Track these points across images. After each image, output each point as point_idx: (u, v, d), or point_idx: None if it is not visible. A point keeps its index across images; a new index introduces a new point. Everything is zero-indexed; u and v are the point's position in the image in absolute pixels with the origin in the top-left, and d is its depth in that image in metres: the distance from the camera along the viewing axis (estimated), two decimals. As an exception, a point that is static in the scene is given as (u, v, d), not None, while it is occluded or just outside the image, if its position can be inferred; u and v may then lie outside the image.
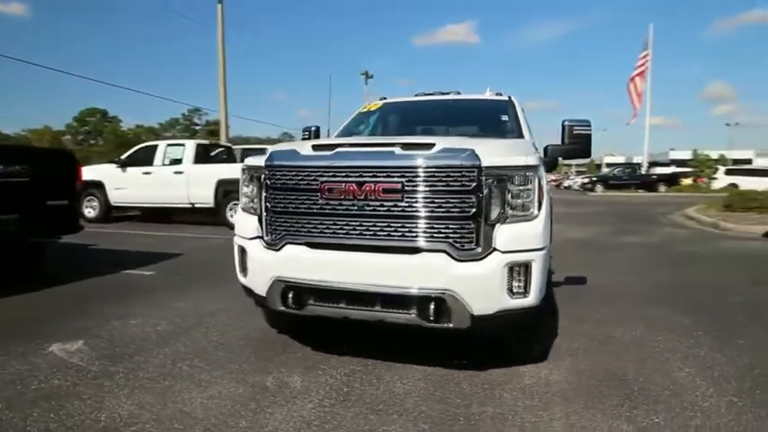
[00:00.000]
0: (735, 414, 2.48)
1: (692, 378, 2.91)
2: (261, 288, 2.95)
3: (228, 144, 14.55)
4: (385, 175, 2.63)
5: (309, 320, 3.21)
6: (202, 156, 11.19)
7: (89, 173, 9.94)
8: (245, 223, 3.13)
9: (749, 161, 42.59)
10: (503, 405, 2.57)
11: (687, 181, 30.33)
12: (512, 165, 2.64)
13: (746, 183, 21.48)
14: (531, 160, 2.68)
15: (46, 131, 52.73)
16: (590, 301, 4.62)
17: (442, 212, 2.58)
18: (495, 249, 2.60)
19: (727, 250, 7.96)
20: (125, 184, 11.12)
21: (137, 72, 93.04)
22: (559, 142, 3.60)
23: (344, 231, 2.72)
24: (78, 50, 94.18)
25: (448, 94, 4.89)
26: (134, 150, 11.73)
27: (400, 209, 2.62)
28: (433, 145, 2.63)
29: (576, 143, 3.58)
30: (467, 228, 2.58)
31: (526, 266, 2.64)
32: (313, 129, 4.65)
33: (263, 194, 2.95)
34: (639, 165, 34.94)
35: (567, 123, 3.57)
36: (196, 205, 10.61)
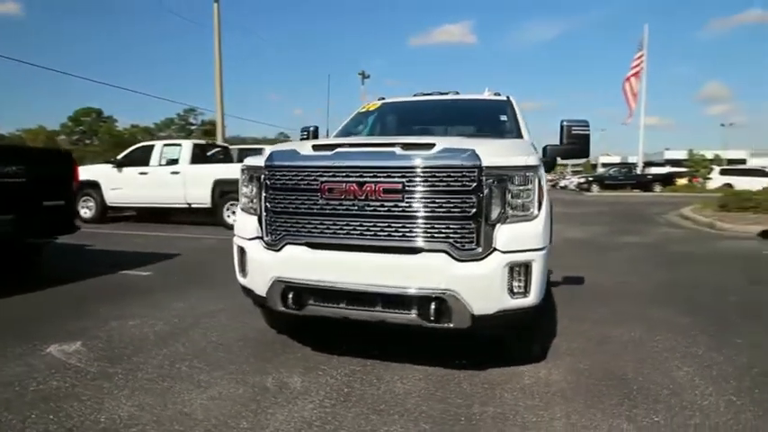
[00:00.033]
0: (734, 413, 2.49)
1: (691, 377, 2.93)
2: (261, 288, 2.95)
3: (225, 144, 14.51)
4: (385, 175, 2.63)
5: (309, 321, 3.21)
6: (199, 156, 11.15)
7: (85, 173, 9.88)
8: (244, 223, 3.12)
9: (743, 161, 42.90)
10: (503, 405, 2.57)
11: (682, 181, 30.43)
12: (512, 165, 2.65)
13: (741, 183, 21.67)
14: (532, 160, 2.69)
15: (40, 131, 52.50)
16: (588, 300, 4.64)
17: (443, 212, 2.58)
18: (495, 249, 2.60)
19: (723, 250, 8.00)
20: (121, 185, 11.07)
21: (132, 71, 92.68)
22: (557, 142, 3.62)
23: (345, 231, 2.72)
24: (72, 50, 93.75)
25: (446, 94, 4.90)
26: (130, 150, 11.68)
27: (401, 209, 2.62)
28: (434, 145, 2.63)
29: (575, 143, 3.59)
30: (467, 228, 2.58)
31: (526, 266, 2.64)
32: (311, 129, 4.64)
33: (263, 195, 2.94)
34: (635, 165, 35.04)
35: (565, 123, 3.58)
36: (193, 205, 10.58)
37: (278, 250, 2.89)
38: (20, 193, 5.05)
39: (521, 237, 2.63)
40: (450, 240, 2.59)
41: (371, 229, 2.67)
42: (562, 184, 42.79)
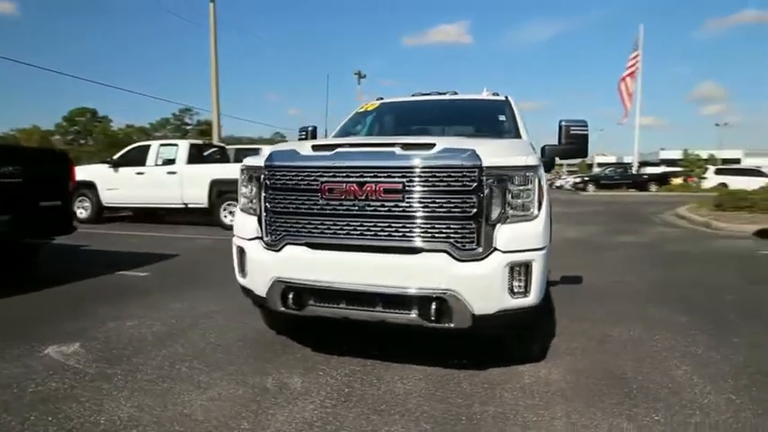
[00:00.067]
0: (733, 411, 2.50)
1: (690, 376, 2.94)
2: (260, 289, 2.94)
3: (222, 144, 14.47)
4: (386, 175, 2.63)
5: (308, 321, 3.20)
6: (196, 156, 11.11)
7: (81, 173, 9.81)
8: (243, 224, 3.11)
9: (738, 161, 43.10)
10: (504, 404, 2.58)
11: (677, 180, 30.56)
12: (512, 165, 2.65)
13: (736, 182, 21.74)
14: (532, 160, 2.69)
15: (35, 131, 52.19)
16: (586, 300, 4.65)
17: (443, 212, 2.59)
18: (495, 249, 2.61)
19: (719, 249, 8.05)
20: (117, 185, 11.02)
21: (127, 71, 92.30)
22: (555, 142, 3.63)
23: (345, 232, 2.72)
24: (68, 49, 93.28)
25: (445, 94, 4.90)
26: (126, 150, 11.62)
27: (401, 209, 2.62)
28: (434, 145, 2.64)
29: (573, 143, 3.60)
30: (468, 228, 2.58)
31: (527, 266, 2.65)
32: (310, 129, 4.63)
33: (263, 195, 2.93)
34: (630, 164, 35.19)
35: (563, 123, 3.59)
36: (189, 206, 10.54)
37: (278, 250, 2.89)
38: (16, 194, 5.02)
39: (521, 237, 2.64)
40: (451, 240, 2.59)
41: (372, 229, 2.67)
42: (558, 183, 42.84)
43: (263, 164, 2.94)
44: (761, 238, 9.02)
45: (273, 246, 2.90)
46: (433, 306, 2.60)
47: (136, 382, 2.83)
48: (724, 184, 22.64)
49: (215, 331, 3.72)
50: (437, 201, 2.59)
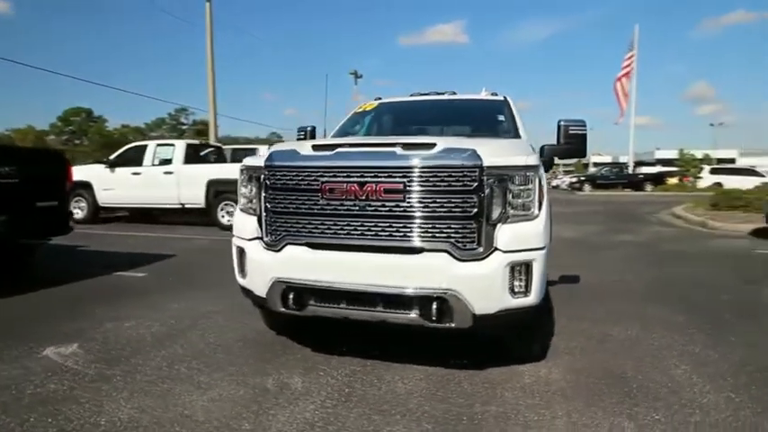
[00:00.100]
0: (733, 410, 2.52)
1: (689, 375, 2.95)
2: (260, 289, 2.93)
3: (219, 144, 14.43)
4: (386, 175, 2.63)
5: (308, 321, 3.19)
6: (192, 156, 11.08)
7: (77, 173, 9.74)
8: (243, 224, 3.10)
9: (733, 161, 43.35)
10: (505, 404, 2.58)
11: (673, 180, 30.68)
12: (513, 165, 2.66)
13: (731, 182, 21.90)
14: (532, 160, 2.70)
15: (29, 131, 51.85)
16: (585, 299, 4.67)
17: (444, 212, 2.59)
18: (496, 249, 2.61)
19: (715, 248, 8.09)
20: (114, 185, 10.97)
21: (122, 71, 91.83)
22: (554, 142, 3.64)
23: (346, 232, 2.72)
24: (62, 49, 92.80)
25: (443, 94, 4.90)
26: (123, 150, 11.57)
27: (402, 209, 2.62)
28: (435, 145, 2.64)
29: (572, 143, 3.61)
30: (468, 228, 2.59)
31: (527, 266, 2.66)
32: (309, 128, 4.62)
33: (263, 195, 2.93)
34: (626, 164, 35.30)
35: (562, 123, 3.60)
36: (186, 206, 10.51)
37: (278, 251, 2.88)
38: (12, 194, 4.99)
39: (522, 236, 2.64)
40: (452, 240, 2.60)
41: (372, 229, 2.67)
42: (554, 183, 42.87)
43: (263, 164, 2.94)
44: (756, 237, 9.07)
45: (274, 246, 2.89)
46: (434, 306, 2.60)
47: (135, 382, 2.82)
48: (719, 184, 22.77)
49: (214, 332, 3.71)
50: (438, 200, 2.59)
